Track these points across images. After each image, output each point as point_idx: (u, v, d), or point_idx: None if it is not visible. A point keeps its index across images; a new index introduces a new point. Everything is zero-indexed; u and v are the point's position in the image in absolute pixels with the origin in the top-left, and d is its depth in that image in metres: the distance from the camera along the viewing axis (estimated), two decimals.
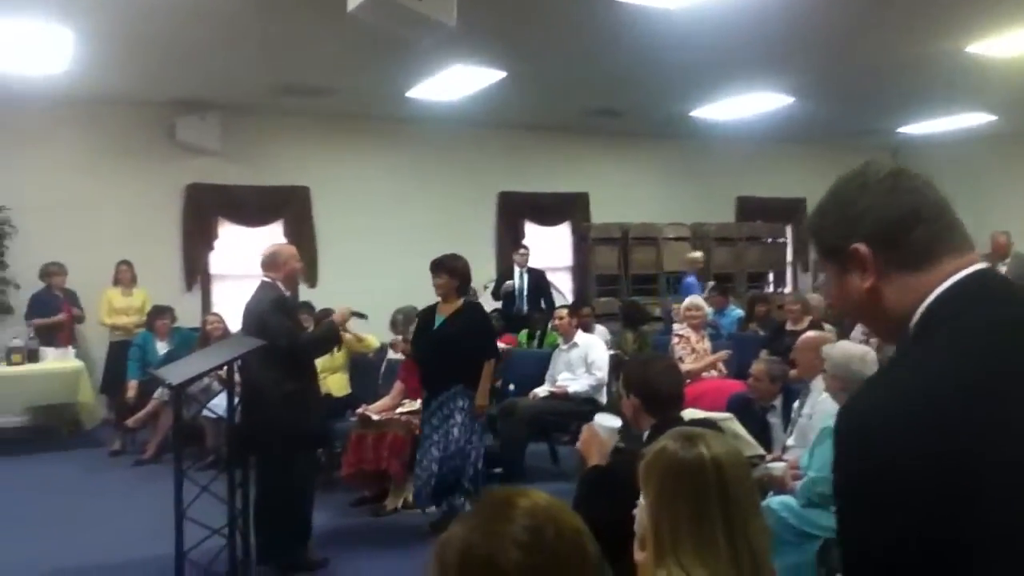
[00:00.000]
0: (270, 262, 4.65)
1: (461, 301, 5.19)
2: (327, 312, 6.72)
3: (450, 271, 5.15)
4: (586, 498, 2.56)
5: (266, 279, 4.63)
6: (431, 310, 5.29)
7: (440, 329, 5.12)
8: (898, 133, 11.61)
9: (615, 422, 2.63)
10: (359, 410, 5.77)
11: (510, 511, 1.25)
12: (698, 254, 10.32)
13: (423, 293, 8.78)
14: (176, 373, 4.15)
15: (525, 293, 9.03)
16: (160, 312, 7.55)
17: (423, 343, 5.29)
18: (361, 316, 5.04)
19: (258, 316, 4.46)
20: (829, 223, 1.29)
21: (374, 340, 6.95)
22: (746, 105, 9.41)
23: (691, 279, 9.77)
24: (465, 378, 5.06)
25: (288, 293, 4.65)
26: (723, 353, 6.88)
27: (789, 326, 6.89)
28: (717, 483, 1.62)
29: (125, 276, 8.12)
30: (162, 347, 7.41)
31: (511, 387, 6.56)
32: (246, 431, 4.47)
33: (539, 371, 6.60)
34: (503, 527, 1.22)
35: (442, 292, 5.16)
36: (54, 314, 7.83)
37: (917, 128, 11.20)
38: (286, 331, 4.41)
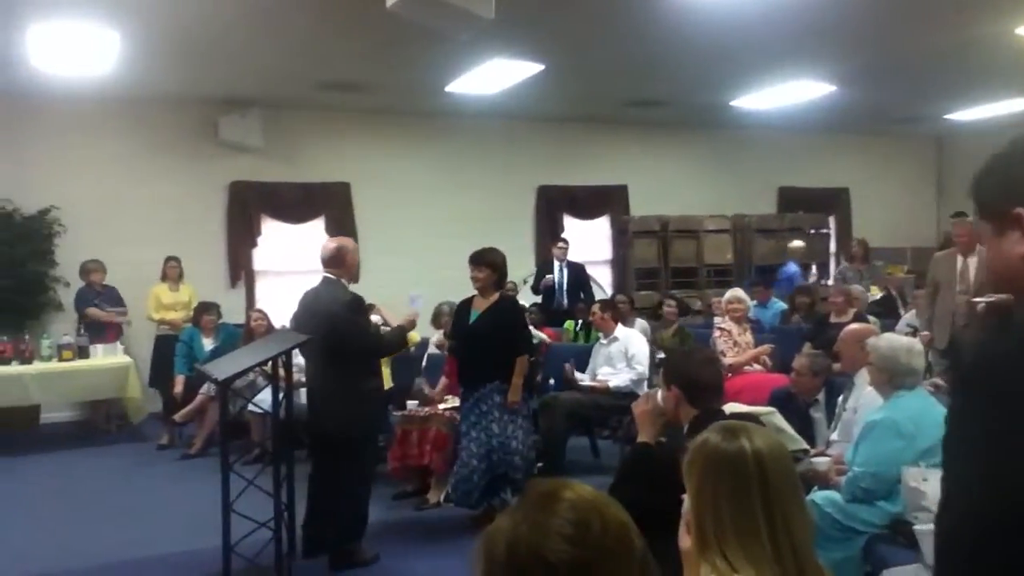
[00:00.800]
0: (335, 258, 4.60)
1: (497, 295, 5.17)
2: (369, 307, 6.78)
3: (491, 265, 5.11)
4: (626, 477, 2.56)
5: (329, 275, 4.59)
6: (467, 304, 5.24)
7: (476, 324, 5.09)
8: (944, 120, 11.38)
9: None
10: (426, 391, 5.96)
11: (555, 504, 1.26)
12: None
13: (463, 287, 8.87)
14: (222, 368, 4.21)
15: (565, 287, 9.02)
16: (206, 308, 7.67)
17: (459, 338, 5.30)
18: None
19: (329, 315, 4.39)
20: (991, 183, 1.26)
21: (416, 335, 6.98)
22: (787, 94, 9.29)
23: (792, 267, 9.69)
24: (501, 373, 5.03)
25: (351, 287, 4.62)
26: (766, 347, 6.81)
27: (832, 319, 6.80)
28: (758, 476, 1.61)
29: (173, 272, 8.26)
30: (208, 343, 7.52)
31: (551, 381, 6.55)
32: (311, 428, 4.52)
33: (579, 365, 6.59)
34: (549, 519, 1.23)
35: (481, 286, 5.13)
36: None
37: (964, 115, 10.98)
38: (370, 333, 4.46)
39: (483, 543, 1.27)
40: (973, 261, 6.28)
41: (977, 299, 6.98)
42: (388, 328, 5.11)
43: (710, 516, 1.62)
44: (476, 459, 4.97)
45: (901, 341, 3.78)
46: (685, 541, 1.85)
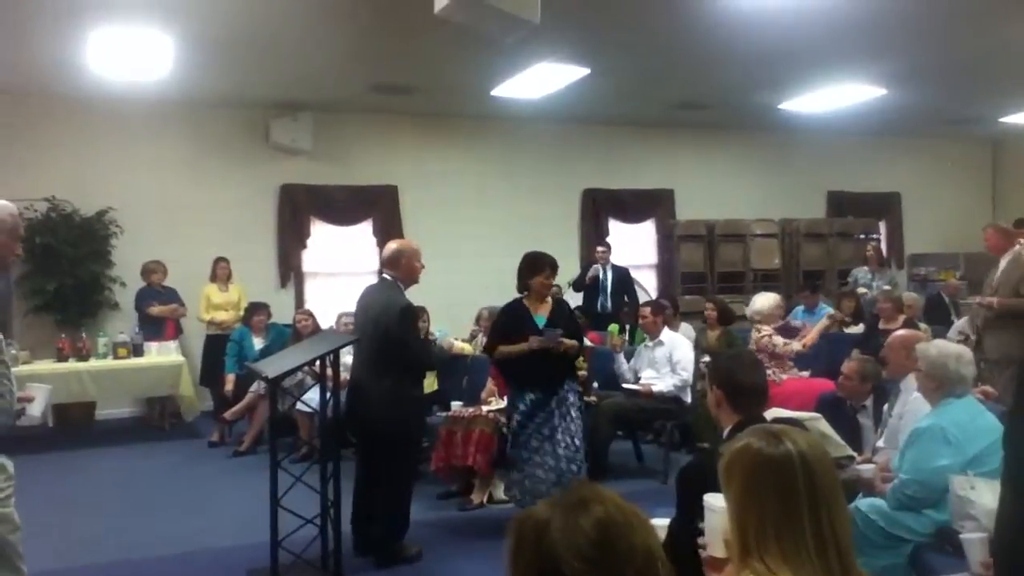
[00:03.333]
0: (392, 259, 4.66)
1: (550, 299, 5.15)
2: (420, 310, 6.86)
3: (556, 270, 5.10)
4: (681, 494, 2.56)
5: (387, 276, 4.66)
6: (523, 309, 5.04)
7: (548, 327, 4.95)
8: (1000, 123, 11.14)
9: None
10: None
11: (584, 516, 1.28)
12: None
13: (508, 289, 8.90)
14: (272, 367, 4.30)
15: (609, 290, 9.01)
16: (257, 308, 7.81)
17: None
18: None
19: (381, 315, 4.47)
20: None
21: (470, 348, 7.05)
22: (837, 97, 9.18)
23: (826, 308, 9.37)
24: (572, 372, 5.07)
25: (406, 291, 4.65)
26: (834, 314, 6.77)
27: (882, 325, 6.71)
28: (805, 479, 1.59)
29: (223, 272, 8.44)
30: (258, 342, 7.65)
31: (595, 385, 6.56)
32: (352, 426, 4.59)
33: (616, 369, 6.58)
34: (574, 534, 1.26)
35: (549, 291, 5.10)
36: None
37: (1020, 117, 10.73)
38: (412, 346, 4.50)
39: (515, 536, 1.30)
40: (1001, 264, 6.20)
41: (977, 298, 6.91)
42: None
43: (753, 522, 1.60)
44: (564, 461, 4.87)
45: (951, 348, 3.72)
46: (711, 554, 1.86)
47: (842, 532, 1.60)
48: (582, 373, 5.19)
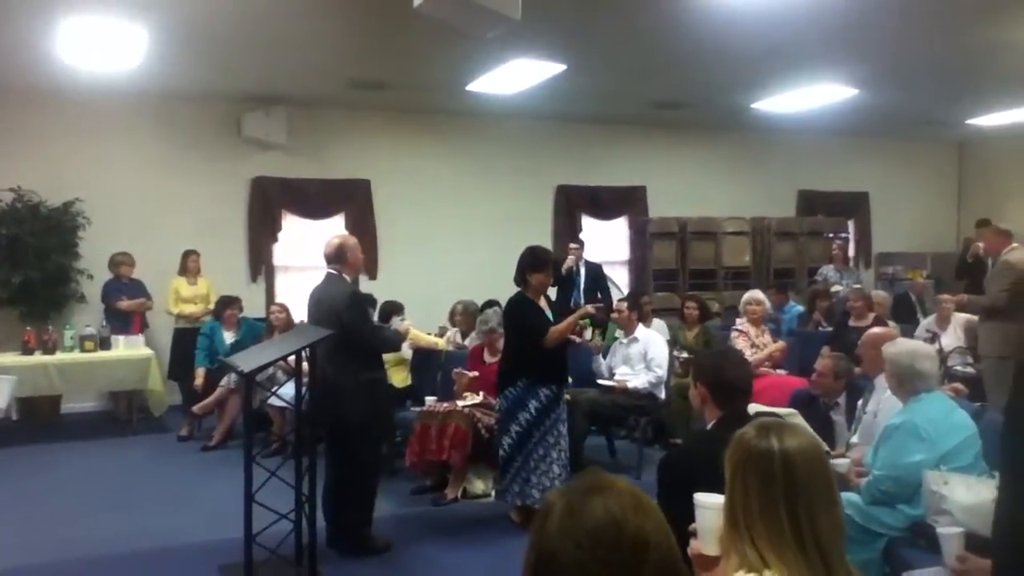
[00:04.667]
0: (336, 254, 4.71)
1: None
2: (392, 305, 6.84)
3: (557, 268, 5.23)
4: (663, 487, 2.59)
5: (332, 271, 4.72)
6: (531, 302, 5.04)
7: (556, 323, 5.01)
8: (966, 125, 11.32)
9: (718, 500, 1.90)
10: (456, 370, 5.98)
11: (584, 506, 1.33)
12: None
13: (482, 284, 8.92)
14: (247, 361, 4.26)
15: (582, 287, 9.03)
16: (228, 302, 7.73)
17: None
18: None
19: (332, 307, 4.55)
20: None
21: (444, 344, 7.04)
22: (809, 97, 9.27)
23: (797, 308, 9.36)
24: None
25: (370, 283, 4.74)
26: (780, 345, 6.86)
27: (852, 322, 6.80)
28: (784, 476, 1.66)
29: (193, 266, 8.34)
30: (229, 336, 7.58)
31: (570, 380, 6.57)
32: (320, 418, 4.59)
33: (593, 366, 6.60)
34: (573, 523, 1.31)
35: (547, 289, 5.16)
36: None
37: (986, 120, 10.91)
38: (368, 322, 4.52)
39: (541, 512, 1.36)
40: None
41: (946, 296, 7.10)
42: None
43: (741, 506, 1.67)
44: (568, 468, 4.99)
45: (909, 345, 3.79)
46: (696, 547, 1.90)
47: (823, 529, 1.64)
48: None
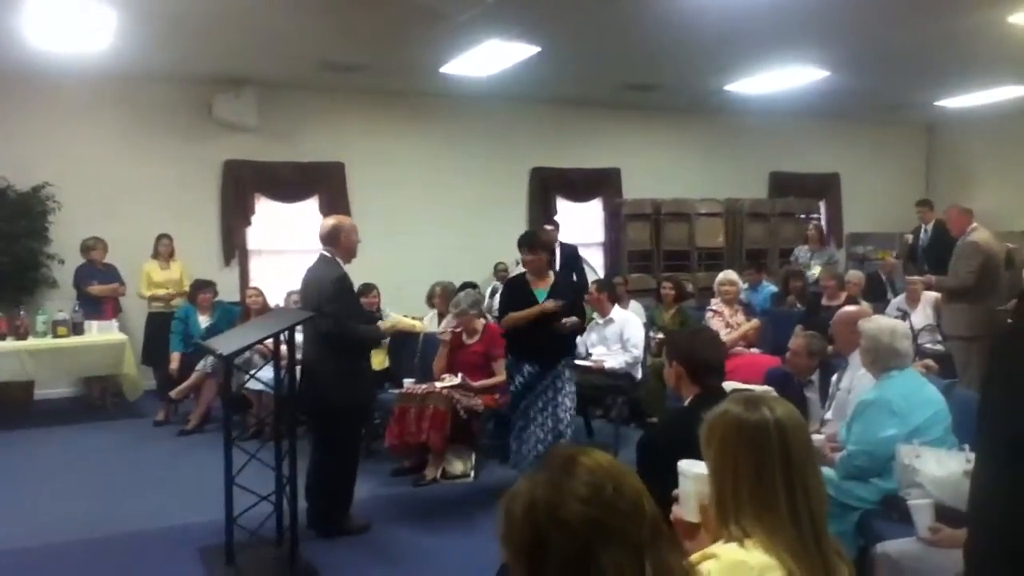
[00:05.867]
0: (329, 236, 4.69)
1: (552, 275, 5.26)
2: (368, 287, 6.84)
3: (545, 247, 5.30)
4: (644, 464, 2.62)
5: (325, 252, 4.68)
6: (523, 285, 5.17)
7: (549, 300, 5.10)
8: (935, 106, 11.46)
9: (700, 467, 1.90)
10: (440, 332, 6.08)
11: (574, 468, 1.33)
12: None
13: (457, 266, 8.94)
14: (226, 344, 4.25)
15: (557, 267, 9.05)
16: (202, 286, 7.68)
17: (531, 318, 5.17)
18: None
19: (318, 291, 4.55)
20: None
21: (421, 326, 7.04)
22: (781, 79, 9.33)
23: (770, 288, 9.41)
24: (570, 349, 5.29)
25: (345, 267, 4.69)
26: (754, 322, 6.93)
27: (825, 301, 6.89)
28: (779, 445, 1.65)
29: (165, 250, 8.28)
30: (204, 320, 7.54)
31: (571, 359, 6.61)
32: (301, 403, 4.60)
33: None
34: (566, 482, 1.30)
35: (539, 267, 5.19)
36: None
37: (955, 102, 11.05)
38: (337, 317, 4.47)
39: (505, 502, 1.34)
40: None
41: (915, 277, 7.24)
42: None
43: (729, 485, 1.67)
44: (551, 435, 5.06)
45: (885, 323, 3.86)
46: (678, 513, 1.91)
47: (815, 498, 1.66)
48: None
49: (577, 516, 1.27)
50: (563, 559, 1.27)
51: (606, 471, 1.34)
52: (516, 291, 5.22)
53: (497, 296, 7.77)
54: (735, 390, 3.04)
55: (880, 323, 3.83)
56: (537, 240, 5.27)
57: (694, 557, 1.59)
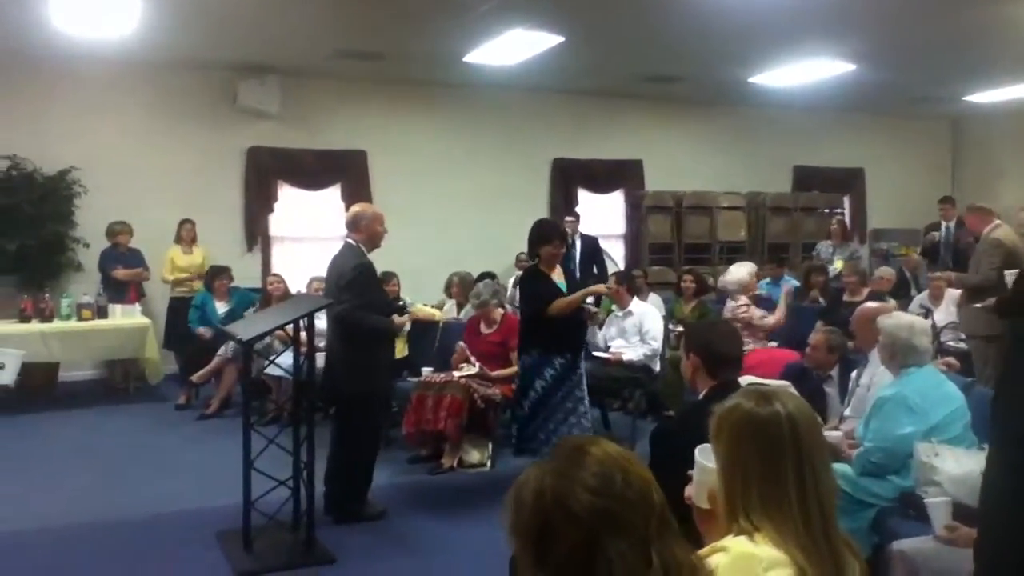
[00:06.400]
0: (353, 223, 4.70)
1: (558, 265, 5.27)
2: (388, 275, 6.86)
3: (564, 239, 5.31)
4: (657, 457, 2.62)
5: (349, 240, 4.69)
6: (543, 274, 5.14)
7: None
8: (962, 101, 11.32)
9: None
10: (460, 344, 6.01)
11: (583, 458, 1.33)
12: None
13: (477, 256, 8.95)
14: (245, 330, 4.28)
15: (578, 260, 9.05)
16: (218, 272, 7.73)
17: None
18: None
19: (338, 277, 4.57)
20: None
21: (439, 314, 7.07)
22: (806, 72, 9.26)
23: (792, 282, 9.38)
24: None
25: (369, 255, 4.67)
26: (779, 315, 6.84)
27: (847, 297, 6.84)
28: (792, 440, 1.64)
29: (188, 235, 8.35)
30: (220, 307, 7.60)
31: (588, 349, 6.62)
32: (322, 389, 4.63)
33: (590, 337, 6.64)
34: (575, 471, 1.31)
35: (558, 259, 5.20)
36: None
37: (983, 96, 10.91)
38: (349, 305, 4.48)
39: (513, 491, 1.35)
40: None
41: (938, 273, 7.14)
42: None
43: (739, 480, 1.65)
44: (589, 419, 5.15)
45: (904, 319, 3.83)
46: (690, 493, 1.90)
47: (826, 492, 1.65)
48: None
49: (585, 506, 1.28)
50: (570, 548, 1.27)
51: (615, 461, 1.34)
52: (546, 282, 5.13)
53: (513, 288, 7.81)
54: (751, 384, 3.03)
55: (899, 319, 3.80)
56: (565, 233, 5.29)
57: (703, 551, 1.59)
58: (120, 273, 8.06)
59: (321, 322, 5.08)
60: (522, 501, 1.33)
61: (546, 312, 4.95)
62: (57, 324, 7.44)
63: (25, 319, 7.41)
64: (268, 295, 7.28)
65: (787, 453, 1.63)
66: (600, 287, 5.17)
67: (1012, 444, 1.65)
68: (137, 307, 7.96)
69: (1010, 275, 5.42)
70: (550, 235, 5.13)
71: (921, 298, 7.60)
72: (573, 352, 5.12)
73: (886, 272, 7.82)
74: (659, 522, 1.32)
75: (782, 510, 1.61)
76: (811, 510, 1.62)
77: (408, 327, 6.16)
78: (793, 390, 3.97)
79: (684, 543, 1.39)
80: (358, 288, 4.53)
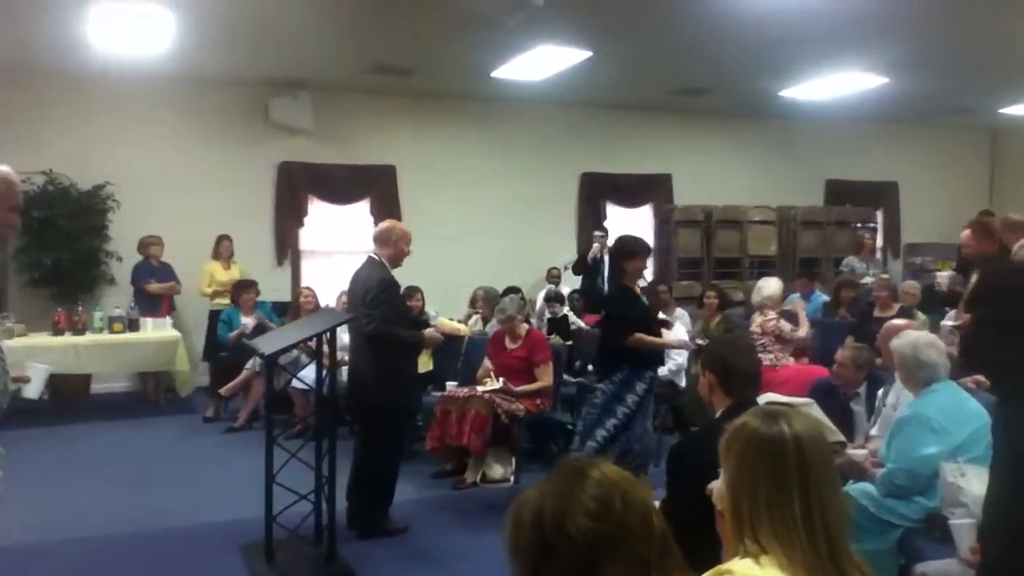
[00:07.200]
0: (381, 238, 4.73)
1: None
2: (412, 290, 6.88)
3: (650, 253, 5.41)
4: (672, 474, 2.59)
5: (373, 255, 4.73)
6: (635, 295, 5.23)
7: None
8: (999, 113, 11.14)
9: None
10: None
11: (582, 481, 1.32)
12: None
13: (506, 271, 8.95)
14: (268, 344, 4.31)
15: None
16: (245, 286, 7.79)
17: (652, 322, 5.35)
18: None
19: (364, 293, 4.58)
20: None
21: (465, 329, 7.07)
22: (837, 85, 9.17)
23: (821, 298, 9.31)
24: None
25: (392, 272, 4.69)
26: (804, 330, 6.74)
27: (877, 312, 6.73)
28: (797, 461, 1.61)
29: (226, 251, 8.46)
30: (248, 321, 7.66)
31: (590, 368, 6.59)
32: (347, 403, 4.65)
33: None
34: (575, 494, 1.29)
35: (641, 275, 5.30)
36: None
37: (1019, 109, 10.73)
38: (378, 319, 4.50)
39: (513, 509, 1.34)
40: None
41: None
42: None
43: (746, 500, 1.63)
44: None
45: (909, 336, 3.74)
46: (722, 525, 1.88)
47: (833, 515, 1.61)
48: None
49: (583, 530, 1.27)
50: (568, 570, 1.26)
51: (616, 485, 1.32)
52: (637, 304, 5.21)
53: (544, 303, 7.80)
54: (771, 402, 2.99)
55: (905, 338, 3.72)
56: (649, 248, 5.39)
57: (708, 574, 1.57)
58: (153, 287, 8.18)
59: (345, 336, 5.11)
60: (521, 521, 1.32)
61: (627, 339, 4.98)
62: (89, 337, 7.57)
63: (59, 332, 7.53)
64: (298, 308, 7.33)
65: (792, 474, 1.61)
66: (686, 343, 5.54)
67: (1010, 467, 1.60)
68: (168, 320, 8.08)
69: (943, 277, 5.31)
70: (636, 250, 5.13)
71: (952, 314, 7.46)
72: (658, 365, 5.33)
73: (911, 287, 7.70)
74: (660, 547, 1.31)
75: (788, 532, 1.58)
76: (816, 532, 1.59)
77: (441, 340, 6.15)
78: (818, 407, 3.95)
79: (685, 568, 1.37)
80: (385, 302, 4.56)
